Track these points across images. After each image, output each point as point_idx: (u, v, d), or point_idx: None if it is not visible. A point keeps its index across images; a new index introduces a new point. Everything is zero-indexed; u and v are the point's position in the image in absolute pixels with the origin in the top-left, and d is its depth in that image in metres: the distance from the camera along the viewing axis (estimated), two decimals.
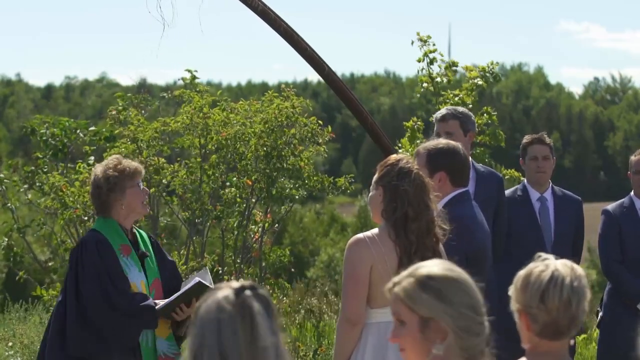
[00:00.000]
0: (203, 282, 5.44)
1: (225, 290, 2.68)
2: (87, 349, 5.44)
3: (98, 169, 5.62)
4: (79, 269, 5.44)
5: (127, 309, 5.40)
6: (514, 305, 3.24)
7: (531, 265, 3.25)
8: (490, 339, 3.02)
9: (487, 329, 3.00)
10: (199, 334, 2.63)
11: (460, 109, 6.99)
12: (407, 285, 3.01)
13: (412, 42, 9.80)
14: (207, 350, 2.60)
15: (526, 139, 7.43)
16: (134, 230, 5.69)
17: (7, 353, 9.62)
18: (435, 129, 6.79)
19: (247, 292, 2.66)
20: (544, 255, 3.26)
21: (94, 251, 5.44)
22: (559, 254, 3.40)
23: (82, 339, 5.42)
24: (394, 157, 5.03)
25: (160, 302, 5.52)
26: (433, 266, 3.04)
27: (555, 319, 3.18)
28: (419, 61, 9.84)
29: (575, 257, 7.09)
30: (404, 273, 3.06)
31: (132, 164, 5.60)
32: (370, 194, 4.99)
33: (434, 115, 6.95)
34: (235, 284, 2.71)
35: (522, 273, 3.25)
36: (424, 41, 9.79)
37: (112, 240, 5.51)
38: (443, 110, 6.84)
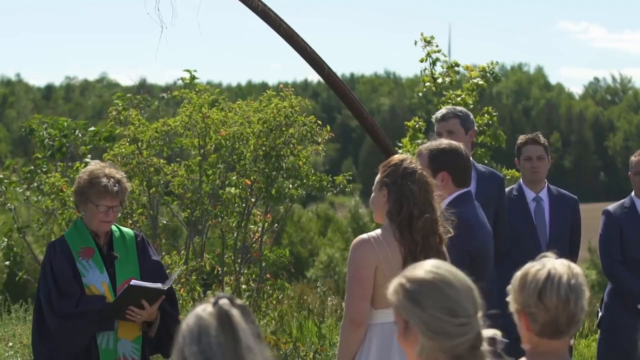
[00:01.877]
0: (134, 284, 5.47)
1: (204, 305, 2.74)
2: (42, 354, 5.54)
3: (88, 168, 5.69)
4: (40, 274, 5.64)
5: (69, 312, 5.45)
6: (512, 306, 3.23)
7: (527, 265, 3.24)
8: (483, 338, 2.99)
9: (475, 329, 2.97)
10: (181, 344, 2.68)
11: (460, 107, 7.00)
12: (393, 289, 3.01)
13: (416, 43, 9.78)
14: (191, 357, 2.65)
15: (520, 139, 7.44)
16: (112, 232, 5.70)
17: (7, 353, 9.61)
18: (435, 128, 6.79)
19: (224, 301, 2.72)
20: (542, 255, 3.25)
21: (47, 256, 5.60)
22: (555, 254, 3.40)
23: (36, 344, 5.55)
24: (397, 157, 5.00)
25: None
26: (419, 268, 3.01)
27: (554, 317, 3.18)
28: (421, 61, 9.83)
29: (573, 256, 7.09)
30: (399, 275, 3.06)
31: (109, 185, 5.51)
32: (373, 194, 4.96)
33: (434, 115, 6.95)
34: (212, 298, 2.77)
35: (519, 273, 3.24)
36: (427, 42, 9.77)
37: (72, 243, 5.60)
38: (443, 110, 6.85)
